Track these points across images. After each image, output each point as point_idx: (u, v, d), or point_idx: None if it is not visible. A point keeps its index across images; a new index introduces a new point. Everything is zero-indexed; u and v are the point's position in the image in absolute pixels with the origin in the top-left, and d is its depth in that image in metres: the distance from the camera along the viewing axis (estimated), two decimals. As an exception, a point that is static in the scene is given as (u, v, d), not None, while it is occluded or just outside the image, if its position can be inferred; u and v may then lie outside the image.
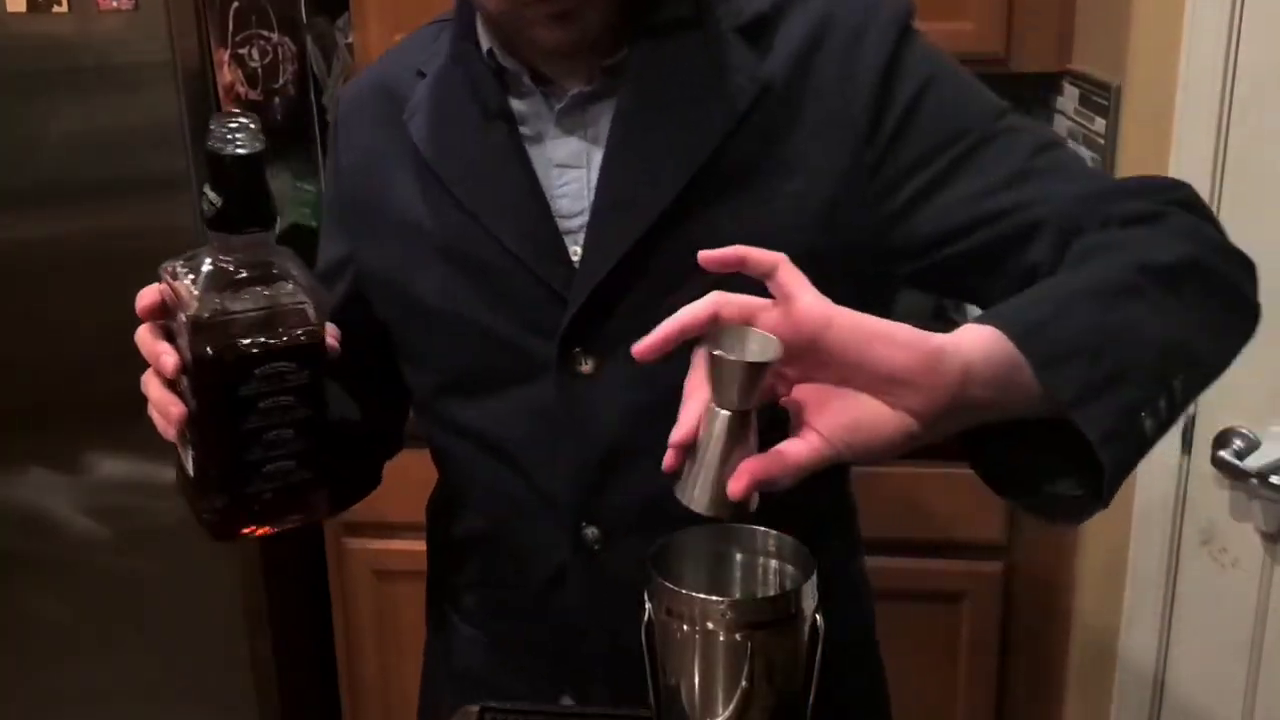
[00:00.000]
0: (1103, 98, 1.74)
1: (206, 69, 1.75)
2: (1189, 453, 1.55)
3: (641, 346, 0.67)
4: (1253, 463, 1.45)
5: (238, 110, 0.77)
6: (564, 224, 0.90)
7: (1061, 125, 2.00)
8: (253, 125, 0.75)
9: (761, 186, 0.88)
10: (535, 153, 0.91)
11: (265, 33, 1.92)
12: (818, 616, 0.69)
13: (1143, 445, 0.70)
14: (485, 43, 0.92)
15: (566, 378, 0.90)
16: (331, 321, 0.99)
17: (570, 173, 0.91)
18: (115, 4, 1.67)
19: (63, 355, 1.85)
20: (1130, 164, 1.65)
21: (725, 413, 0.65)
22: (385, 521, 2.01)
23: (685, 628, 0.67)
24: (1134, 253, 0.74)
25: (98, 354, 1.82)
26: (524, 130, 0.92)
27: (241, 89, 1.83)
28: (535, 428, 0.92)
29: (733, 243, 0.81)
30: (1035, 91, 2.14)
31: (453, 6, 0.98)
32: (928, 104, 0.88)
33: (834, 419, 0.64)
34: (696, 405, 0.67)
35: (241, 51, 1.84)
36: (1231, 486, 1.52)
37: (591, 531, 0.93)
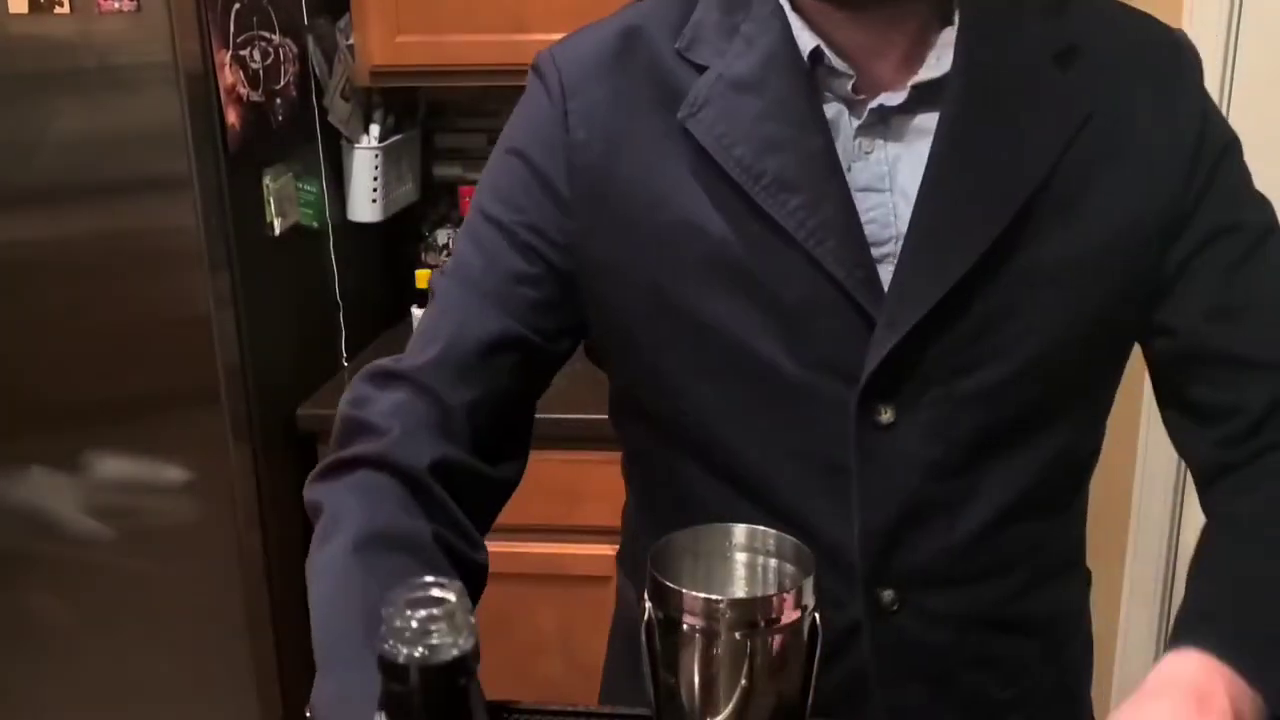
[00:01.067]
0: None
1: (208, 70, 1.75)
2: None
3: None
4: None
5: (432, 581, 0.54)
6: (875, 252, 0.83)
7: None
8: (458, 608, 0.52)
9: (1078, 220, 0.83)
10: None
11: (267, 34, 1.92)
12: (817, 615, 0.70)
13: None
14: (809, 40, 0.84)
15: (864, 427, 0.83)
16: (501, 292, 0.87)
17: (873, 196, 0.84)
18: (117, 5, 1.67)
19: (63, 355, 1.86)
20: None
21: None
22: (386, 521, 2.02)
23: (685, 627, 0.67)
24: None
25: (98, 354, 1.83)
26: (833, 131, 0.84)
27: (243, 90, 1.83)
28: (819, 478, 0.86)
29: (1050, 279, 0.83)
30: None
31: None
32: (1228, 168, 0.87)
33: None
34: None
35: (243, 53, 1.84)
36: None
37: (888, 594, 0.87)
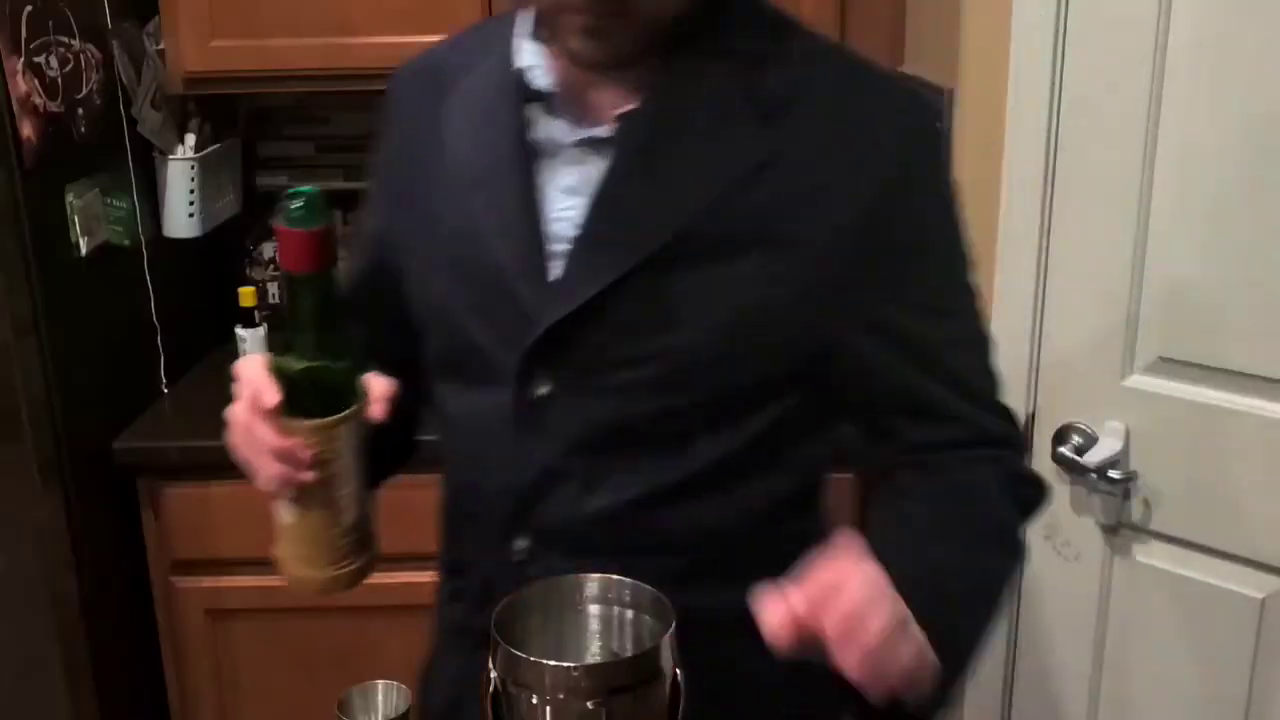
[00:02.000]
0: (936, 102, 1.75)
1: (-1, 79, 1.62)
2: (1030, 449, 1.57)
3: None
4: (1091, 458, 1.48)
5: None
6: (558, 248, 0.92)
7: (896, 127, 2.02)
8: None
9: (748, 257, 0.89)
10: (548, 173, 0.93)
11: (65, 39, 1.78)
12: (678, 672, 0.65)
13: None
14: (525, 59, 0.94)
15: (523, 395, 0.93)
16: (360, 287, 1.06)
17: (571, 199, 0.92)
18: (-111, 9, 1.52)
19: None
20: (965, 167, 1.67)
21: None
22: (218, 558, 1.90)
23: (534, 699, 0.62)
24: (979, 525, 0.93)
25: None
26: (542, 147, 0.93)
27: (39, 100, 1.69)
28: (491, 431, 0.96)
29: (703, 306, 0.89)
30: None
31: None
32: (924, 240, 0.93)
33: None
34: None
35: (38, 60, 1.70)
36: (1071, 481, 1.55)
37: (520, 544, 0.95)
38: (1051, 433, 1.54)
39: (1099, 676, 1.60)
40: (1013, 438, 1.01)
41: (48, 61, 1.73)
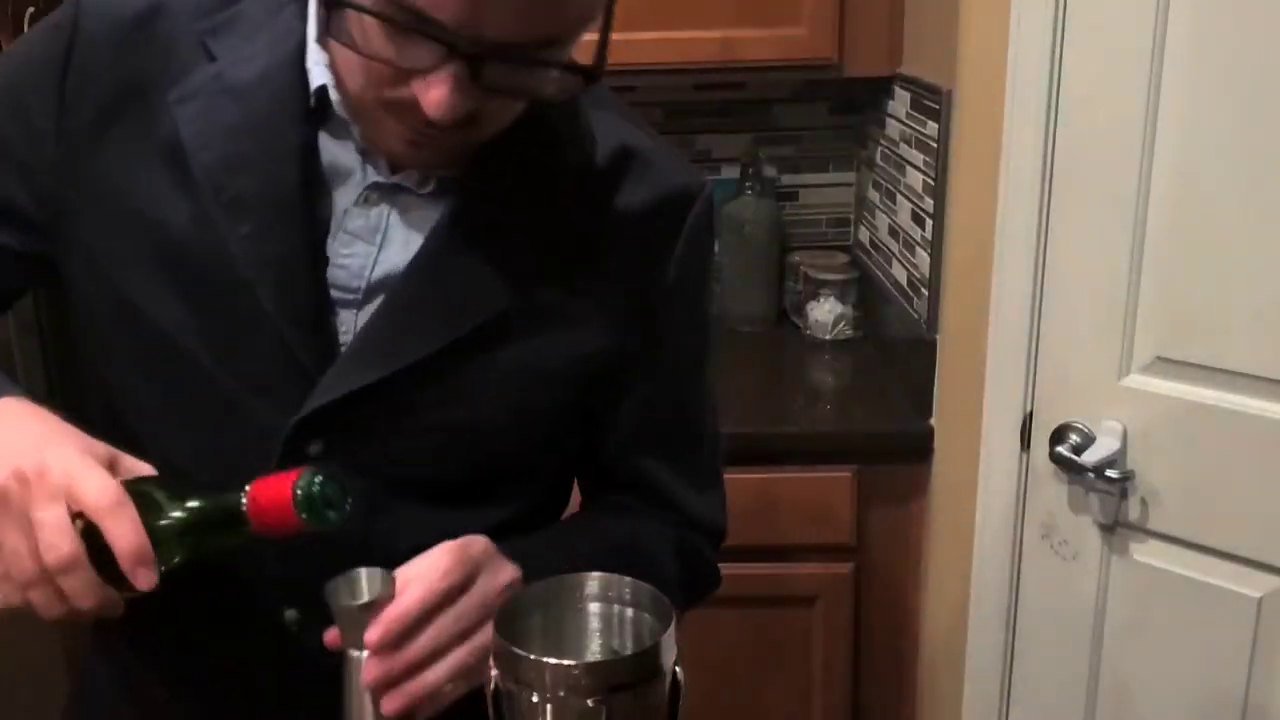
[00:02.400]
0: (934, 101, 1.76)
1: None
2: (1028, 448, 1.58)
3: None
4: (1089, 457, 1.49)
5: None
6: (335, 294, 0.83)
7: (894, 129, 2.02)
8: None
9: (549, 335, 0.87)
10: (333, 211, 0.84)
11: (65, 38, 1.79)
12: (678, 669, 0.66)
13: None
14: (320, 77, 0.81)
15: (291, 455, 0.83)
16: None
17: (358, 245, 0.83)
18: (-110, 8, 1.53)
19: None
20: (963, 168, 1.68)
21: (358, 654, 0.74)
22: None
23: (535, 697, 0.62)
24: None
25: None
26: (326, 178, 0.83)
27: (39, 99, 1.70)
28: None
29: (504, 381, 0.86)
30: (870, 95, 2.17)
31: None
32: (695, 322, 0.97)
33: None
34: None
35: (38, 59, 1.71)
36: (1069, 481, 1.55)
37: (291, 614, 0.88)
38: (1049, 432, 1.54)
39: (1096, 675, 1.60)
40: (718, 528, 1.02)
41: (48, 61, 1.73)
